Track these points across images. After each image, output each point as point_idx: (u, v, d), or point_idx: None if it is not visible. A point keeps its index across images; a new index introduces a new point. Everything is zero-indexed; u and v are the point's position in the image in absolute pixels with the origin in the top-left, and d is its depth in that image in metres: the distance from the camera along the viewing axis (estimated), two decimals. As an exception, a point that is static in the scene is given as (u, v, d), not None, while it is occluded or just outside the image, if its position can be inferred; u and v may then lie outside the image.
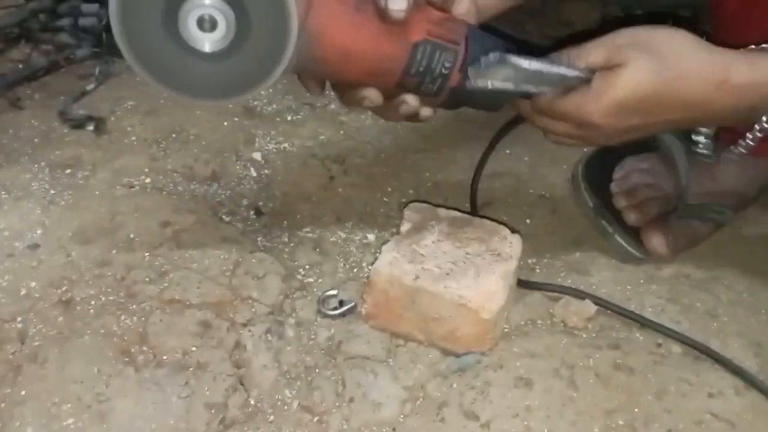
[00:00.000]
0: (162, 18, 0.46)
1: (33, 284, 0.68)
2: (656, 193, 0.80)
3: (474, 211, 0.81)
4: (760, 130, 0.62)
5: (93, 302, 0.67)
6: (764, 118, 0.61)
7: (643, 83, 0.57)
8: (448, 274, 0.65)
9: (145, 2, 0.45)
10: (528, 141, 0.82)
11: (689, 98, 0.58)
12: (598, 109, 0.58)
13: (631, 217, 0.78)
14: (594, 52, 0.59)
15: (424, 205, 0.74)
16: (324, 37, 0.52)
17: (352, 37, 0.53)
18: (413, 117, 0.62)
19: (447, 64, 0.57)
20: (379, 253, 0.67)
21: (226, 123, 0.91)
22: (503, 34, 0.64)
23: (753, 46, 0.61)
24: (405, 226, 0.71)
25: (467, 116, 0.99)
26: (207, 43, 0.47)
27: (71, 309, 0.66)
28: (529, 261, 0.78)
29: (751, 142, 0.64)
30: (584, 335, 0.69)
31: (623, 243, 0.78)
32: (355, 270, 0.75)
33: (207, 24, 0.46)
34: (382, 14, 0.54)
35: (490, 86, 0.58)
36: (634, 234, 0.78)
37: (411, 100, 0.59)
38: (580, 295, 0.71)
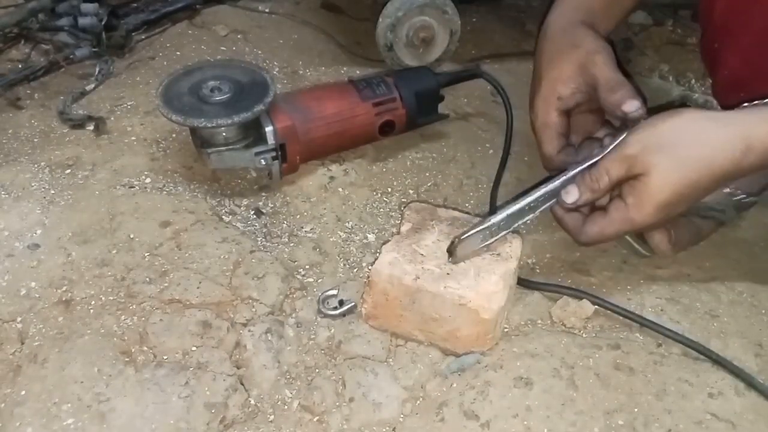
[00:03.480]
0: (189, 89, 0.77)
1: (33, 284, 0.68)
2: None
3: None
4: None
5: (93, 302, 0.67)
6: None
7: (675, 181, 0.60)
8: (448, 274, 0.65)
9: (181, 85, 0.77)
10: (528, 141, 0.82)
11: (720, 172, 0.60)
12: (646, 215, 0.62)
13: None
14: (613, 169, 0.62)
15: (424, 205, 0.74)
16: None
17: None
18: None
19: None
20: (379, 253, 0.67)
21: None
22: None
23: (757, 102, 0.63)
24: (405, 226, 0.71)
25: (468, 117, 0.99)
26: (215, 98, 0.76)
27: (71, 309, 0.66)
28: (529, 261, 0.78)
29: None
30: (584, 335, 0.69)
31: (629, 239, 0.78)
32: (355, 270, 0.75)
33: (216, 90, 0.76)
34: None
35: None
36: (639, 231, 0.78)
37: None
38: (578, 294, 0.71)
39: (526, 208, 0.66)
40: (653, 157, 0.61)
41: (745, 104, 0.65)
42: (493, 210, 0.82)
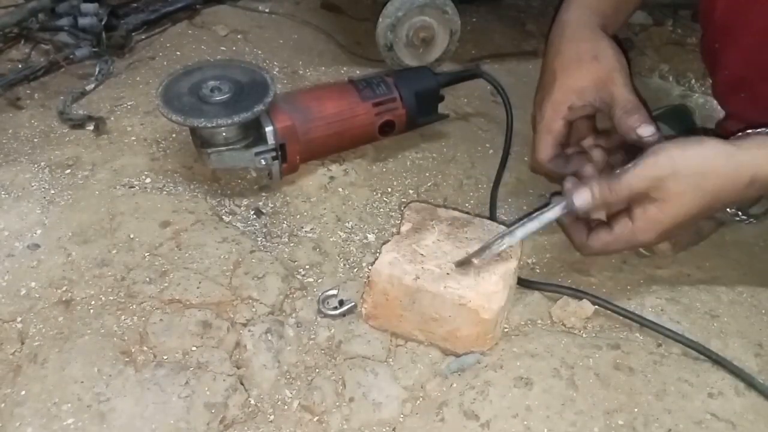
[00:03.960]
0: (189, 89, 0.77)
1: (33, 284, 0.68)
2: None
3: (493, 218, 0.81)
4: None
5: (93, 302, 0.67)
6: None
7: (686, 211, 0.64)
8: (448, 274, 0.65)
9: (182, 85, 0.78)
10: (528, 141, 0.82)
11: (726, 201, 0.65)
12: (651, 238, 0.66)
13: None
14: (637, 184, 0.64)
15: (424, 205, 0.74)
16: None
17: None
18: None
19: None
20: (379, 253, 0.67)
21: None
22: None
23: (760, 130, 0.65)
24: (405, 226, 0.71)
25: (468, 117, 0.99)
26: (215, 98, 0.76)
27: (71, 309, 0.66)
28: (529, 261, 0.78)
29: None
30: (584, 335, 0.69)
31: None
32: (355, 270, 0.75)
33: (216, 90, 0.77)
34: None
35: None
36: None
37: None
38: (578, 294, 0.71)
39: (535, 230, 0.67)
40: (679, 186, 0.62)
41: (749, 131, 0.66)
42: (494, 210, 0.82)
